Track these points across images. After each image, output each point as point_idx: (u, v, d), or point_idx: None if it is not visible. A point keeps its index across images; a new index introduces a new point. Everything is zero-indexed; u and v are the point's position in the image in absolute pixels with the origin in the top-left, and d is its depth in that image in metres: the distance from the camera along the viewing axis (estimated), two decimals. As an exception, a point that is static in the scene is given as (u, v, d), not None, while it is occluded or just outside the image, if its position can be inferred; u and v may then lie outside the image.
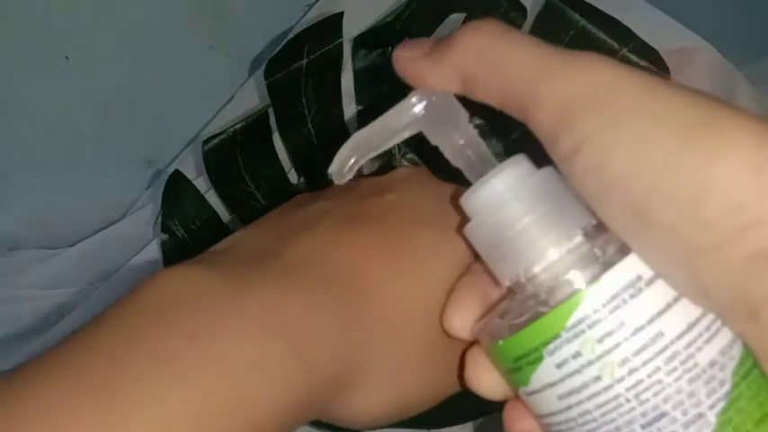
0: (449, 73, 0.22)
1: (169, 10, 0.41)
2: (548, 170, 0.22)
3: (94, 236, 0.43)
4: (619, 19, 0.38)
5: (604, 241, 0.21)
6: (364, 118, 0.41)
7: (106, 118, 0.43)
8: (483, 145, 0.23)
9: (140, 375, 0.20)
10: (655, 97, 0.19)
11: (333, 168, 0.24)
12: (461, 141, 0.23)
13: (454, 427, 0.40)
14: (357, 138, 0.23)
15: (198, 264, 0.23)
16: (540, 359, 0.21)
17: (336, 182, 0.24)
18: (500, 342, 0.22)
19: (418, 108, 0.23)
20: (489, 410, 0.40)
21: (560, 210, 0.21)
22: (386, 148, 0.24)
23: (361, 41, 0.41)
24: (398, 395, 0.26)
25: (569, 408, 0.21)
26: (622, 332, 0.20)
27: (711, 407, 0.19)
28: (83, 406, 0.19)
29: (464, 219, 0.23)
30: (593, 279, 0.20)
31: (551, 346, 0.20)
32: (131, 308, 0.22)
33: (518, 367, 0.21)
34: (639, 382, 0.19)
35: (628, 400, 0.20)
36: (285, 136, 0.42)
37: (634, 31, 0.37)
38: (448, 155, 0.23)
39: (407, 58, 0.23)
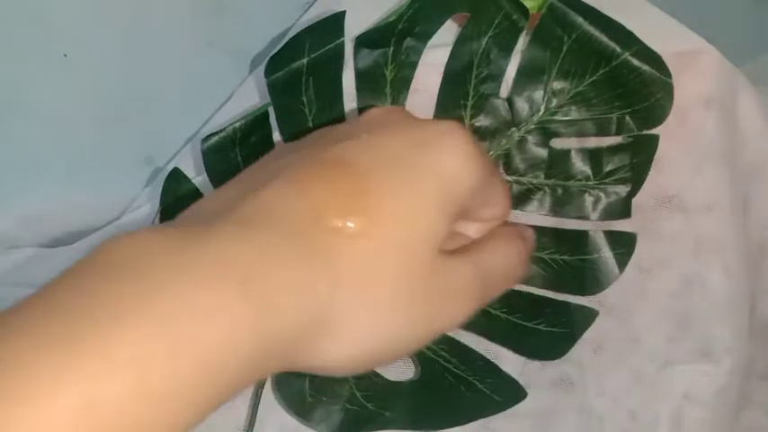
0: None
1: (169, 7, 0.41)
2: None
3: (93, 234, 0.43)
4: (621, 22, 0.38)
5: None
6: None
7: (105, 116, 0.43)
8: None
9: (89, 323, 0.20)
10: None
11: None
12: None
13: (455, 428, 0.41)
14: None
15: (157, 227, 0.24)
16: None
17: None
18: None
19: None
20: (490, 411, 0.41)
21: None
22: None
23: (363, 41, 0.41)
24: (373, 340, 0.26)
25: None
26: None
27: None
28: (41, 359, 0.20)
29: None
30: None
31: None
32: (85, 269, 0.23)
33: None
34: None
35: None
36: (285, 134, 0.42)
37: (637, 34, 0.37)
38: None
39: None
